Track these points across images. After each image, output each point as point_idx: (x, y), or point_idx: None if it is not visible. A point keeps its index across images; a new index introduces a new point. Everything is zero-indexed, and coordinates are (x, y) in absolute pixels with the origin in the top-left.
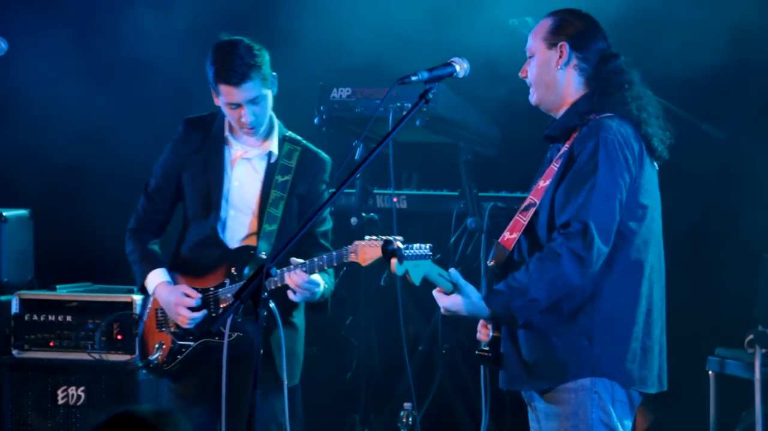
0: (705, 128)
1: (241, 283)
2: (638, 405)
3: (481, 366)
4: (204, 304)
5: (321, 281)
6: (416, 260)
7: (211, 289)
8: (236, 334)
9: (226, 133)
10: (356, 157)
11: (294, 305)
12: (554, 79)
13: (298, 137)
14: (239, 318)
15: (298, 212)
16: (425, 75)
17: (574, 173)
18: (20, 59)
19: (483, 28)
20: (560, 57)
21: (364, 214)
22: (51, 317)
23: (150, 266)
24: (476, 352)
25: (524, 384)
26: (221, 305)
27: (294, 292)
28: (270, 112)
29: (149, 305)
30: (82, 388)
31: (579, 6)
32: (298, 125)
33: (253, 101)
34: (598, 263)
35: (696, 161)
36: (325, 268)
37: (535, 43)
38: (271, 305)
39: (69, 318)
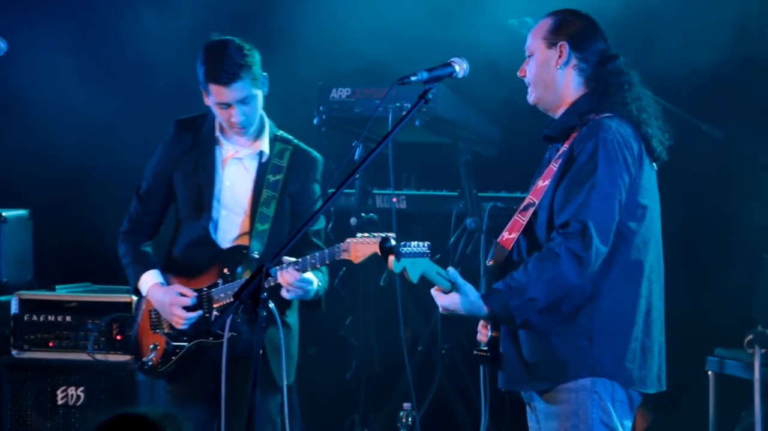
0: (704, 128)
1: (234, 283)
2: (638, 406)
3: (481, 366)
4: (198, 304)
5: (314, 280)
6: (414, 257)
7: (204, 289)
8: (231, 334)
9: (217, 133)
10: (356, 157)
11: (287, 304)
12: (553, 79)
13: (290, 137)
14: (239, 318)
15: (290, 211)
16: (425, 75)
17: (573, 173)
18: (20, 59)
19: (483, 28)
20: (560, 57)
21: (363, 214)
22: (50, 318)
23: (143, 268)
24: (475, 352)
25: (524, 384)
26: (215, 305)
27: (287, 290)
28: (261, 111)
29: (142, 307)
30: (81, 388)
31: (579, 6)
32: (297, 125)
33: (243, 101)
34: (596, 263)
35: (696, 162)
36: (318, 266)
37: (534, 42)
38: (271, 305)
39: (68, 319)
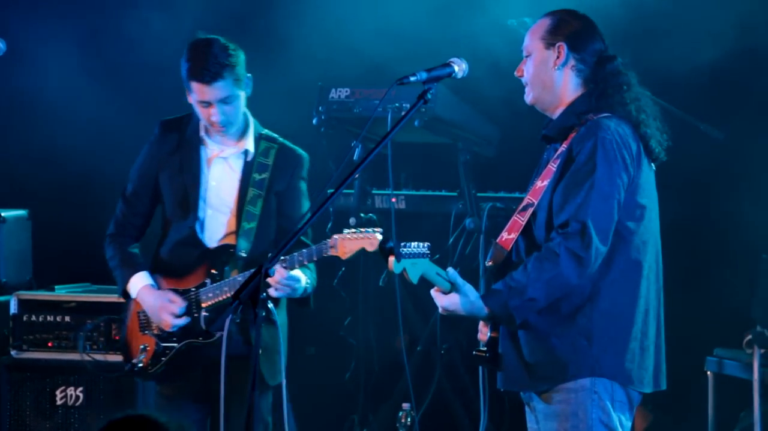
0: (704, 128)
1: (222, 282)
2: (637, 405)
3: (480, 367)
4: (187, 311)
5: (302, 277)
6: (414, 258)
7: (192, 289)
8: (219, 334)
9: (202, 133)
10: (355, 157)
11: (275, 302)
12: (551, 79)
13: (275, 135)
14: (238, 319)
15: (276, 209)
16: (424, 75)
17: (572, 173)
18: (21, 59)
19: (482, 28)
20: (558, 57)
21: (362, 214)
22: (49, 318)
23: (131, 271)
24: (474, 352)
25: (523, 384)
26: (203, 306)
27: (275, 289)
28: (244, 110)
29: (131, 309)
30: (80, 389)
31: (578, 6)
32: (296, 125)
33: (225, 101)
34: (596, 263)
35: (695, 162)
36: (306, 263)
37: (532, 42)
38: (270, 305)
39: (67, 319)
